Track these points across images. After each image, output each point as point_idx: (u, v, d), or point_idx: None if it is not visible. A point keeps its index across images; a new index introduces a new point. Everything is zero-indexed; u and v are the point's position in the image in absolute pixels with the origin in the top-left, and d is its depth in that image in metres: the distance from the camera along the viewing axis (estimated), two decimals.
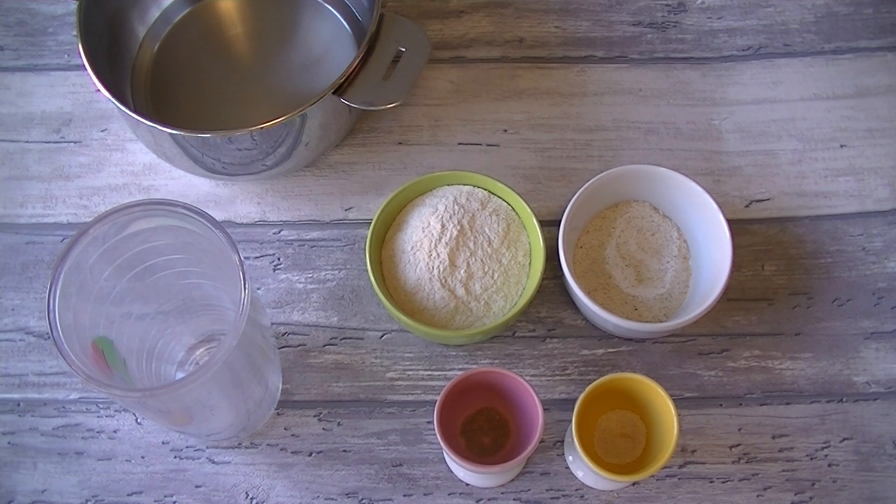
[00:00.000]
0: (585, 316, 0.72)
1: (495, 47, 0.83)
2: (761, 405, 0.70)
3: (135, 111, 0.69)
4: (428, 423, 0.70)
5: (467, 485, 0.68)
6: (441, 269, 0.69)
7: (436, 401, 0.61)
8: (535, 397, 0.61)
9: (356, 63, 0.70)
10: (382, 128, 0.80)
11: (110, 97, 0.69)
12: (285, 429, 0.70)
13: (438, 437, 0.60)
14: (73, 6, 0.72)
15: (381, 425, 0.70)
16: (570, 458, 0.68)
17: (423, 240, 0.69)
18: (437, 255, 0.69)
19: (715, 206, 0.69)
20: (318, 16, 0.83)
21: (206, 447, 0.70)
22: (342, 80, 0.70)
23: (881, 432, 0.70)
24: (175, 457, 0.69)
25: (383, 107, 0.71)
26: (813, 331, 0.72)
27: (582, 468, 0.67)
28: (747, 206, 0.77)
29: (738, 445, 0.69)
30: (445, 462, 0.69)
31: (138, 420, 0.70)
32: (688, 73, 0.82)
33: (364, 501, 0.68)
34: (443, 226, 0.69)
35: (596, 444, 0.65)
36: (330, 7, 0.83)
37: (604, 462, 0.63)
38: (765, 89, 0.81)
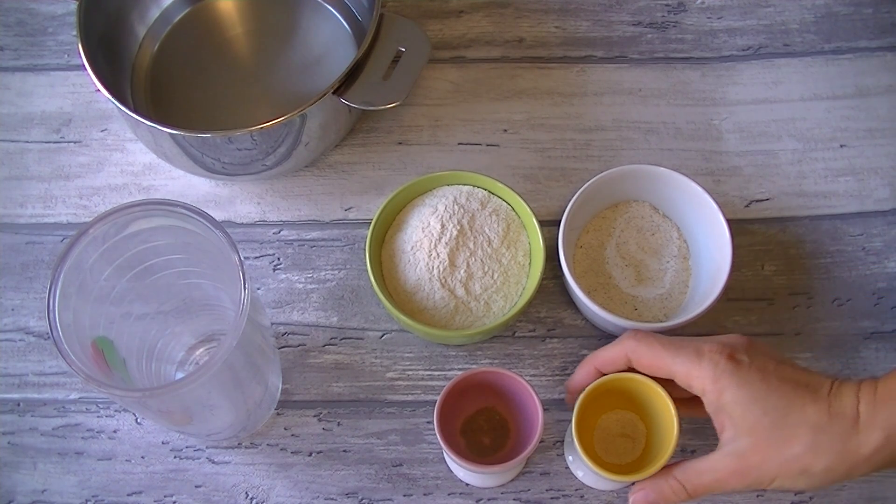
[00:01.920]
0: (585, 316, 0.72)
1: (495, 47, 0.83)
2: None
3: (135, 111, 0.69)
4: (428, 423, 0.70)
5: (467, 485, 0.68)
6: (441, 269, 0.69)
7: (436, 401, 0.61)
8: (535, 397, 0.61)
9: (356, 63, 0.70)
10: (382, 128, 0.80)
11: (110, 97, 0.69)
12: (285, 429, 0.70)
13: (438, 437, 0.60)
14: (73, 6, 0.72)
15: (381, 425, 0.70)
16: (570, 458, 0.68)
17: (423, 240, 0.69)
18: (437, 255, 0.69)
19: (715, 206, 0.69)
20: (318, 16, 0.83)
21: (206, 447, 0.70)
22: (342, 80, 0.70)
23: None
24: (175, 457, 0.69)
25: (383, 107, 0.71)
26: (813, 331, 0.72)
27: (582, 468, 0.67)
28: (747, 206, 0.77)
29: None
30: (445, 462, 0.69)
31: (138, 420, 0.70)
32: (688, 73, 0.82)
33: (364, 501, 0.68)
34: (443, 226, 0.69)
35: (596, 444, 0.65)
36: (330, 7, 0.83)
37: (604, 462, 0.63)
38: (765, 89, 0.81)
